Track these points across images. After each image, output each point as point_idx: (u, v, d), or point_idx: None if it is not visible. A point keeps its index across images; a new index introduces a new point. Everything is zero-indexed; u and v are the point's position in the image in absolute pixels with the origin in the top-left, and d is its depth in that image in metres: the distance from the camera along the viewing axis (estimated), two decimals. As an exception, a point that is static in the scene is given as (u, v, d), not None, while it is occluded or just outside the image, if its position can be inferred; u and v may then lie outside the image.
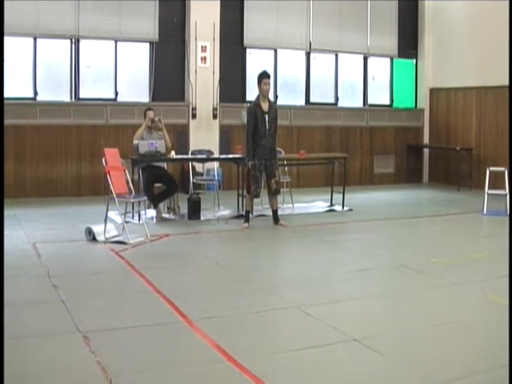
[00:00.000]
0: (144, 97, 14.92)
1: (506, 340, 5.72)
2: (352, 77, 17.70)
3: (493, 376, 5.02)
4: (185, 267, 8.48)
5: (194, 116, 15.03)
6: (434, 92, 18.20)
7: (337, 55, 17.24)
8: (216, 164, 13.91)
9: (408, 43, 18.25)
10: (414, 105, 18.55)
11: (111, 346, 5.48)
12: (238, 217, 11.61)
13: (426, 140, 18.37)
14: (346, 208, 12.88)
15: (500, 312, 6.68)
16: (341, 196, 12.92)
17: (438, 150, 18.05)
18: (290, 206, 12.85)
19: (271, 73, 12.82)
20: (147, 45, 14.95)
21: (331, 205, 13.13)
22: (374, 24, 17.42)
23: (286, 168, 13.46)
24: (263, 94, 11.08)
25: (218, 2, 15.22)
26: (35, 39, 13.77)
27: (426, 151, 18.40)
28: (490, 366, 5.23)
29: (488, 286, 7.69)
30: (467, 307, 6.94)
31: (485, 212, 12.50)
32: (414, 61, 18.48)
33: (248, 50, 16.05)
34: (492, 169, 12.62)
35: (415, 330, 6.09)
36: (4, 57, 12.43)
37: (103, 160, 10.20)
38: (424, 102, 18.31)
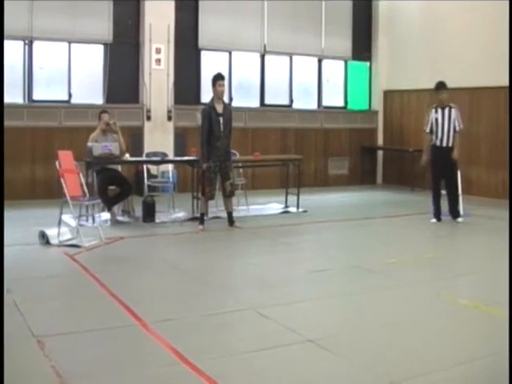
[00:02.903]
0: (98, 99, 14.83)
1: (460, 339, 5.83)
2: (306, 79, 17.78)
3: (446, 375, 5.09)
4: (140, 270, 8.44)
5: (148, 118, 14.98)
6: (387, 94, 18.37)
7: (291, 57, 17.31)
8: (171, 166, 13.87)
9: (362, 46, 18.40)
10: (368, 107, 18.70)
11: (66, 350, 5.44)
12: (193, 219, 11.59)
13: (380, 142, 18.53)
14: (300, 209, 12.94)
15: (453, 311, 6.80)
16: (295, 197, 12.98)
17: (391, 152, 18.23)
18: (245, 207, 12.88)
19: (226, 75, 12.85)
20: (101, 46, 14.85)
21: (286, 206, 13.18)
22: (329, 26, 17.53)
23: (241, 170, 13.51)
24: (218, 96, 11.08)
25: (173, 4, 15.18)
26: (-13, 40, 13.62)
27: (380, 153, 18.56)
28: (444, 365, 5.29)
29: (442, 285, 7.80)
30: (421, 307, 7.02)
31: (438, 212, 12.67)
32: (368, 63, 18.63)
33: (203, 52, 16.04)
34: (445, 170, 12.74)
35: (370, 330, 6.15)
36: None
37: (57, 163, 10.12)
38: (378, 104, 18.48)
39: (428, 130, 12.07)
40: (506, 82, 14.68)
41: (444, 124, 11.88)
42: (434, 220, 12.09)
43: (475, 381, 5.03)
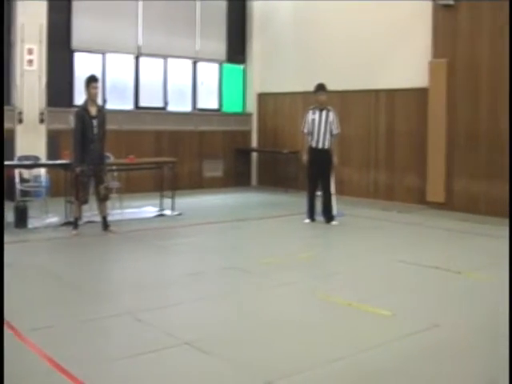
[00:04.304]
0: (-33, 101, 14.41)
1: (335, 336, 6.00)
2: (181, 81, 17.81)
3: (321, 372, 5.24)
4: (12, 277, 8.23)
5: (20, 121, 14.64)
6: (261, 97, 18.61)
7: (166, 59, 17.29)
8: (43, 170, 13.61)
9: (236, 48, 18.60)
10: (242, 109, 18.89)
11: None
12: (67, 224, 11.42)
13: (254, 144, 18.75)
14: (175, 212, 12.96)
15: (328, 309, 6.99)
16: (170, 200, 12.98)
17: (266, 154, 18.48)
18: (120, 211, 12.79)
19: (100, 77, 12.74)
20: (-31, 47, 14.43)
21: (161, 209, 13.17)
22: (203, 28, 17.68)
23: (115, 173, 13.37)
24: (91, 98, 10.97)
25: (45, 4, 14.88)
26: None
27: (255, 155, 18.79)
28: (319, 362, 5.43)
29: (316, 284, 8.01)
30: (297, 306, 7.19)
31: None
32: (243, 66, 18.81)
33: (76, 54, 15.81)
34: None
35: (246, 330, 6.26)
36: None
37: None
38: (252, 107, 18.69)
39: (306, 130, 12.28)
40: (376, 85, 15.19)
41: (321, 126, 12.11)
42: (307, 220, 12.34)
43: (351, 377, 5.18)
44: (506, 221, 12.30)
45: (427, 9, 14.15)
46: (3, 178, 9.77)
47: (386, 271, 8.75)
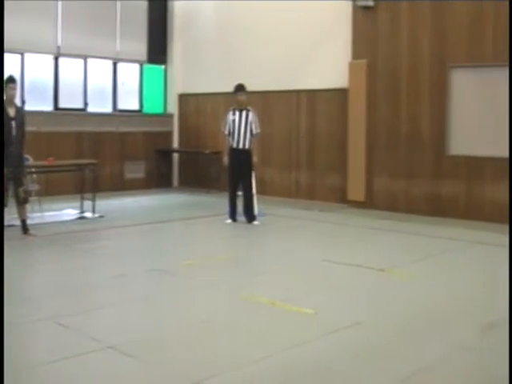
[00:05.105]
0: None
1: (260, 335, 6.03)
2: (101, 82, 17.61)
3: (247, 371, 5.27)
4: None
5: None
6: (183, 97, 18.54)
7: (86, 60, 17.08)
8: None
9: (157, 48, 18.49)
10: (163, 110, 18.79)
11: None
12: (-14, 227, 11.18)
13: (176, 145, 18.67)
14: (97, 214, 12.83)
15: (252, 309, 7.02)
16: (91, 203, 12.83)
17: (187, 154, 18.45)
18: (40, 214, 12.56)
19: (18, 77, 12.51)
20: None
21: (82, 212, 13.00)
22: (124, 28, 17.52)
23: (35, 175, 13.13)
24: (9, 99, 10.76)
25: (-40, 3, 14.55)
26: None
27: (176, 155, 18.71)
28: (245, 361, 5.45)
29: (240, 284, 8.07)
30: (221, 306, 7.25)
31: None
32: (164, 66, 18.72)
33: (-8, 54, 15.50)
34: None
35: (171, 332, 6.25)
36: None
37: None
38: (173, 108, 18.61)
39: (226, 131, 12.33)
40: (298, 86, 15.33)
41: (241, 126, 12.17)
42: (229, 221, 12.36)
43: (276, 375, 5.22)
44: (426, 218, 12.65)
45: (348, 10, 14.32)
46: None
47: (309, 270, 8.83)
